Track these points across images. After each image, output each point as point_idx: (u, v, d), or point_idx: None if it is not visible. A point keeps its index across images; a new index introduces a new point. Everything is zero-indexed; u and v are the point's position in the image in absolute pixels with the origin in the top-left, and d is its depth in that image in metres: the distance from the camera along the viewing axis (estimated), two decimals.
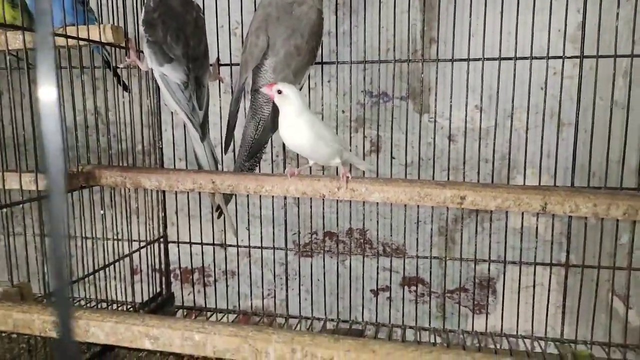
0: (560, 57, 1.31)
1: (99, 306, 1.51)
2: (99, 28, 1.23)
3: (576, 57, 1.30)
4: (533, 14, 1.29)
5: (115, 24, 1.33)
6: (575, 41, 1.59)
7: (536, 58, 1.31)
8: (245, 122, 1.32)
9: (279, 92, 1.02)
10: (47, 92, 0.30)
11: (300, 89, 1.29)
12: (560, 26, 1.36)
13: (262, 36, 1.22)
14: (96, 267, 1.31)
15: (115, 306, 1.47)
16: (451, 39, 1.39)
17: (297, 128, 1.02)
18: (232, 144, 1.41)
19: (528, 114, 1.37)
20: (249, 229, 1.61)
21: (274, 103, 1.25)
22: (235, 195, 1.50)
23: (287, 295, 1.61)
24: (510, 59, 1.32)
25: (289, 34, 1.20)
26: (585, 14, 1.26)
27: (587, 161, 1.33)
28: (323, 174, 1.67)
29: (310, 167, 1.13)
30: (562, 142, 1.61)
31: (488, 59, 1.33)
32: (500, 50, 1.32)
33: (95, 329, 0.84)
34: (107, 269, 1.36)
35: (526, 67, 1.33)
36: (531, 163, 1.66)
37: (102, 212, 1.30)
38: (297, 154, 1.61)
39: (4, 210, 1.06)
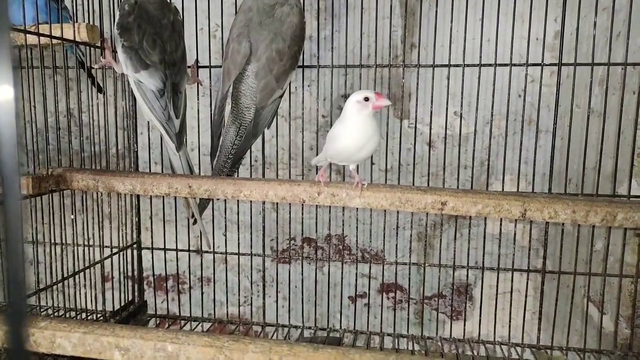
0: (539, 65, 1.32)
1: (68, 315, 1.45)
2: (74, 27, 1.19)
3: (554, 64, 1.31)
4: (513, 21, 1.30)
5: (91, 23, 1.29)
6: (553, 50, 1.62)
7: (516, 65, 1.32)
8: (224, 128, 1.29)
9: (366, 99, 0.99)
10: (3, 91, 0.28)
11: (283, 94, 1.26)
12: (539, 34, 1.37)
13: (244, 42, 1.19)
14: (65, 275, 1.26)
15: (84, 315, 1.41)
16: (432, 45, 1.39)
17: (375, 129, 1.01)
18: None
19: (507, 120, 1.38)
20: (225, 235, 1.58)
21: (256, 109, 1.22)
22: (212, 200, 1.47)
23: (264, 303, 1.58)
24: (490, 65, 1.33)
25: (272, 38, 1.18)
26: (563, 22, 1.28)
27: (564, 168, 1.34)
28: (302, 178, 1.65)
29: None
30: (540, 148, 1.63)
31: (469, 65, 1.34)
32: (480, 57, 1.32)
33: (61, 340, 0.80)
34: (76, 276, 1.30)
35: (506, 75, 1.34)
36: (509, 169, 1.68)
37: (72, 216, 1.26)
38: (277, 159, 1.59)
39: None
